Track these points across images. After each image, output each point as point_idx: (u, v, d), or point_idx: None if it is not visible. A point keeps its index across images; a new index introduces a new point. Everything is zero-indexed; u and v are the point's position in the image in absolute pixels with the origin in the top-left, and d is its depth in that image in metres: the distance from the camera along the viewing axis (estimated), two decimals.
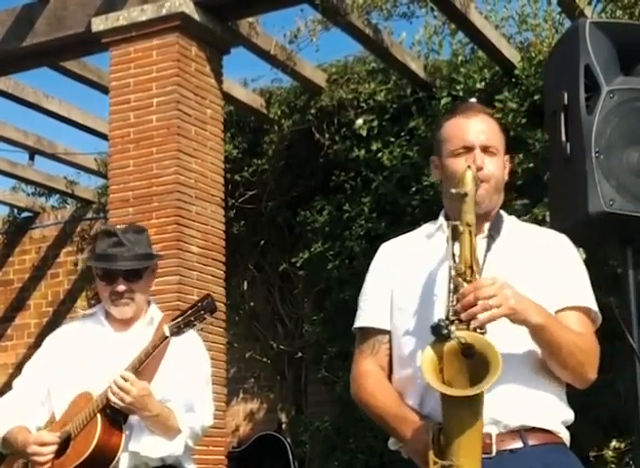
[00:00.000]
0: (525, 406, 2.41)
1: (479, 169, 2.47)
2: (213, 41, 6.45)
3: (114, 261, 3.26)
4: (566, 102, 3.66)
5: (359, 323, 2.64)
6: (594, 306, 2.54)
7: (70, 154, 9.09)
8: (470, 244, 2.34)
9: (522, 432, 2.39)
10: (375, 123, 7.69)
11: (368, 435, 7.45)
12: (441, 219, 2.59)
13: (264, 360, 8.52)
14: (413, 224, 8.45)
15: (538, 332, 2.37)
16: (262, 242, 8.55)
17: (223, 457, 6.25)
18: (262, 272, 8.66)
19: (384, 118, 7.72)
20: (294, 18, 6.94)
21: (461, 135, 2.53)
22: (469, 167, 2.42)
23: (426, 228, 2.66)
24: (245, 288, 8.67)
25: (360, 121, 7.67)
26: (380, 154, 7.59)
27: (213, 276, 6.28)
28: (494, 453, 2.37)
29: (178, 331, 3.10)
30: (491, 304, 2.26)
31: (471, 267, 2.33)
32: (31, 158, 8.90)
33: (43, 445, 3.18)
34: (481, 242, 2.47)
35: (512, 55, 7.26)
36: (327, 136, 7.85)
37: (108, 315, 3.38)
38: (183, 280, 6.00)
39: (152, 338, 3.15)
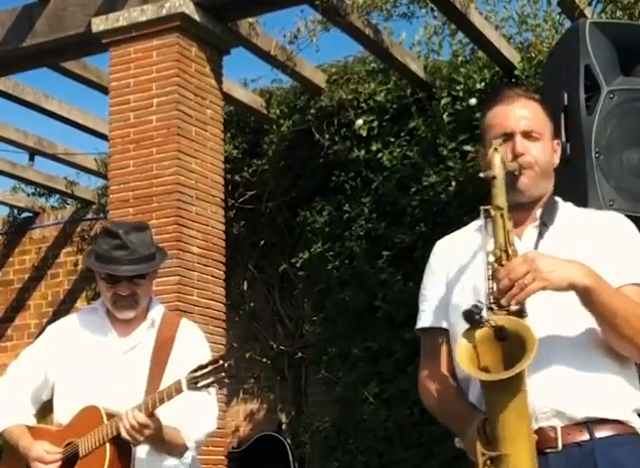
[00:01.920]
0: (589, 393, 2.32)
1: (520, 155, 2.43)
2: (213, 41, 6.44)
3: (118, 265, 3.21)
4: (566, 102, 3.66)
5: (420, 323, 2.59)
6: None
7: (70, 154, 9.09)
8: (504, 227, 2.30)
9: (589, 424, 2.31)
10: (375, 123, 7.69)
11: (368, 435, 7.46)
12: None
13: (264, 360, 8.52)
14: (413, 224, 8.45)
15: (587, 297, 2.27)
16: (262, 242, 8.55)
17: (223, 458, 6.25)
18: (262, 272, 8.66)
19: (384, 118, 7.72)
20: (294, 18, 6.95)
21: (501, 121, 2.49)
22: (496, 149, 2.37)
23: (477, 223, 2.57)
24: (245, 288, 8.67)
25: (360, 121, 7.67)
26: (379, 154, 7.59)
27: (213, 276, 6.28)
28: (560, 447, 2.29)
29: (195, 387, 2.99)
30: (525, 283, 2.19)
31: (506, 250, 2.28)
32: (31, 158, 8.91)
33: (45, 463, 3.18)
34: (532, 230, 2.45)
35: (512, 55, 7.26)
36: (327, 136, 7.85)
37: (109, 312, 3.36)
38: (183, 280, 5.99)
39: (168, 389, 3.04)
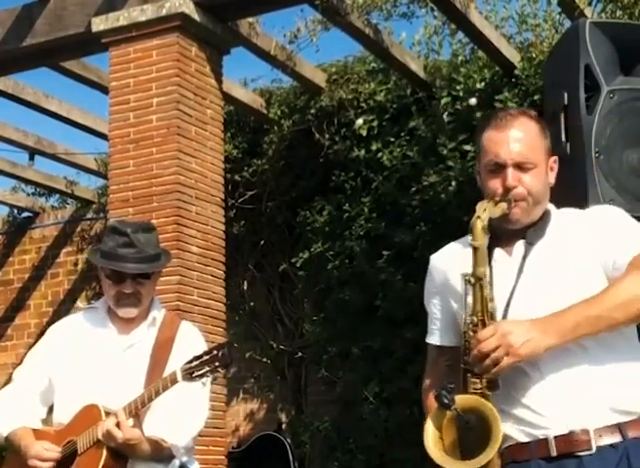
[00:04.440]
0: (614, 388, 2.35)
1: (512, 188, 2.43)
2: (213, 41, 6.44)
3: (124, 262, 3.22)
4: (566, 102, 3.67)
5: (430, 339, 2.64)
6: None
7: (70, 154, 9.09)
8: (482, 297, 2.34)
9: (620, 425, 2.33)
10: (375, 123, 7.69)
11: (368, 435, 7.46)
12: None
13: (264, 360, 8.52)
14: (413, 224, 8.44)
15: (579, 335, 2.31)
16: (262, 242, 8.55)
17: (223, 457, 6.25)
18: (262, 272, 8.66)
19: (384, 118, 7.72)
20: (294, 18, 6.95)
21: (494, 150, 2.47)
22: (479, 217, 2.37)
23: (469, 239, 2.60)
24: (245, 288, 8.67)
25: (360, 121, 7.67)
26: (380, 154, 7.59)
27: (213, 276, 6.28)
28: (594, 450, 2.32)
29: (190, 377, 3.02)
30: (497, 357, 2.25)
31: (483, 320, 2.33)
32: (31, 158, 8.90)
33: (43, 460, 3.19)
34: (522, 247, 2.47)
35: (512, 55, 7.26)
36: (327, 136, 7.85)
37: (110, 311, 3.37)
38: (183, 280, 5.99)
39: (163, 380, 3.08)
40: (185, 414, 3.21)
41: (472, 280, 2.36)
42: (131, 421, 3.09)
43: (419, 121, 7.50)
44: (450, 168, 7.18)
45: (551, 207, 2.58)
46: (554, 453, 2.34)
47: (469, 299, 2.37)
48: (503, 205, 2.41)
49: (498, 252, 2.48)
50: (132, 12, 6.25)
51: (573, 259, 2.43)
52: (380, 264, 7.50)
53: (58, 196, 10.24)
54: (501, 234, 2.51)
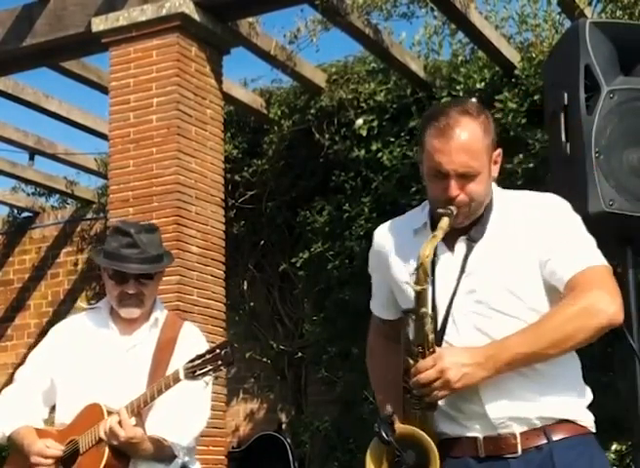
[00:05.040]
0: (542, 394, 2.41)
1: (455, 197, 2.42)
2: (213, 41, 6.44)
3: (127, 263, 3.23)
4: (566, 102, 3.66)
5: (374, 310, 2.76)
6: (593, 262, 2.41)
7: (70, 154, 9.09)
8: (423, 332, 2.38)
9: (546, 428, 2.40)
10: (375, 123, 7.69)
11: (368, 435, 7.44)
12: (425, 216, 2.55)
13: (264, 360, 8.52)
14: None
15: (513, 369, 2.36)
16: (262, 242, 8.55)
17: (223, 457, 6.25)
18: (262, 272, 8.66)
19: (384, 118, 7.72)
20: (294, 18, 6.96)
21: (437, 159, 2.42)
22: (422, 263, 2.37)
23: (414, 219, 2.60)
24: (245, 288, 8.67)
25: (360, 121, 7.67)
26: (379, 154, 7.59)
27: (213, 276, 6.28)
28: (519, 452, 2.38)
29: (192, 376, 3.03)
30: (434, 387, 2.33)
31: (423, 352, 2.38)
32: (31, 158, 8.91)
33: (45, 457, 3.19)
34: (462, 245, 2.48)
35: (512, 55, 7.26)
36: (327, 136, 7.85)
37: (113, 312, 3.37)
38: (183, 280, 5.99)
39: (166, 379, 3.09)
40: (187, 414, 3.22)
41: (413, 317, 2.41)
42: (133, 420, 3.09)
43: (418, 121, 7.50)
44: None
45: (494, 190, 2.55)
46: (482, 454, 2.41)
47: (410, 332, 2.42)
48: (445, 222, 2.42)
49: (440, 247, 2.49)
50: (132, 12, 6.25)
51: (513, 260, 2.44)
52: None
53: (58, 196, 10.25)
54: None
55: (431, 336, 2.39)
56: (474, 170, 2.43)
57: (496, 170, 2.53)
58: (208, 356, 3.02)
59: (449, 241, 2.49)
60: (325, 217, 7.91)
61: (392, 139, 7.63)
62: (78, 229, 9.76)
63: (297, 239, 8.32)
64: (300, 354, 8.36)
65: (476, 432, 2.43)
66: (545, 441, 2.39)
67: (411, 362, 2.40)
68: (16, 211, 10.17)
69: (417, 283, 2.39)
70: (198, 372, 3.02)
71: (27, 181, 9.70)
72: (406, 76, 7.56)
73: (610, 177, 3.51)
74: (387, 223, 2.69)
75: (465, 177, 2.42)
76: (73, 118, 8.23)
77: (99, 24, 6.33)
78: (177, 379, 3.04)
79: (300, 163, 8.22)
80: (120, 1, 6.33)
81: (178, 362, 3.18)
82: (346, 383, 7.68)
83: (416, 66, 7.47)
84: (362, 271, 8.37)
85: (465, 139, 2.42)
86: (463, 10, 6.55)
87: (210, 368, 3.01)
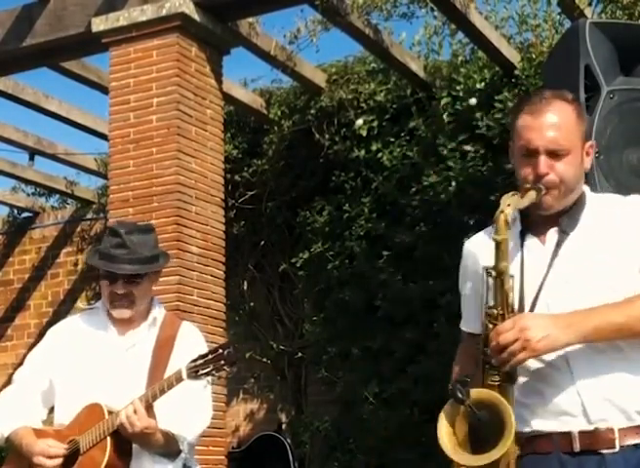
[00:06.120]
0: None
1: (544, 175, 2.39)
2: (213, 41, 6.44)
3: (115, 263, 3.25)
4: None
5: (463, 326, 2.66)
6: None
7: (70, 154, 9.09)
8: (502, 291, 2.32)
9: None
10: (375, 123, 7.69)
11: (368, 435, 7.46)
12: (516, 213, 2.46)
13: (264, 360, 8.52)
14: (413, 224, 8.43)
15: (598, 339, 2.30)
16: (262, 242, 8.55)
17: (223, 457, 6.25)
18: (262, 272, 8.66)
19: (384, 118, 7.72)
20: (294, 18, 6.95)
21: (527, 136, 2.41)
22: (502, 211, 2.33)
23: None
24: (245, 288, 8.67)
25: (360, 121, 7.67)
26: (379, 154, 7.59)
27: (213, 276, 6.28)
28: (617, 448, 2.31)
29: (195, 375, 3.04)
30: (515, 350, 2.25)
31: (503, 314, 2.32)
32: (31, 158, 8.91)
33: (49, 457, 3.19)
34: (555, 235, 2.44)
35: (512, 55, 7.26)
36: (327, 136, 7.85)
37: (109, 312, 3.38)
38: (183, 280, 5.99)
39: (168, 378, 3.10)
40: (192, 411, 3.23)
41: (494, 273, 2.34)
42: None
43: (419, 121, 7.51)
44: (450, 168, 7.18)
45: (587, 190, 2.54)
46: (577, 449, 2.33)
47: (490, 292, 2.35)
48: (532, 194, 2.38)
49: (530, 239, 2.46)
50: (132, 12, 6.25)
51: (607, 252, 2.39)
52: (380, 264, 7.50)
53: (58, 196, 10.24)
54: (534, 220, 2.48)
55: (511, 297, 2.33)
56: (564, 148, 2.41)
57: (588, 161, 2.51)
58: (210, 356, 3.03)
59: (538, 231, 2.46)
60: (325, 217, 7.91)
61: (392, 140, 7.63)
62: (78, 229, 9.76)
63: (297, 239, 8.32)
64: (299, 354, 8.36)
65: (570, 425, 2.34)
66: None
67: (490, 326, 2.32)
68: (16, 211, 10.17)
69: (496, 233, 2.32)
70: (201, 372, 3.03)
71: (27, 181, 9.70)
72: (406, 76, 7.57)
73: (610, 177, 3.51)
74: (478, 233, 2.63)
75: (555, 156, 2.40)
76: (73, 118, 8.22)
77: (99, 24, 6.33)
78: (179, 379, 3.05)
79: (300, 163, 8.22)
80: (120, 1, 6.32)
81: (177, 361, 3.19)
82: (346, 383, 7.68)
83: (416, 66, 7.47)
84: (362, 271, 8.39)
85: (558, 117, 2.42)
86: (463, 10, 6.55)
87: (212, 368, 3.02)
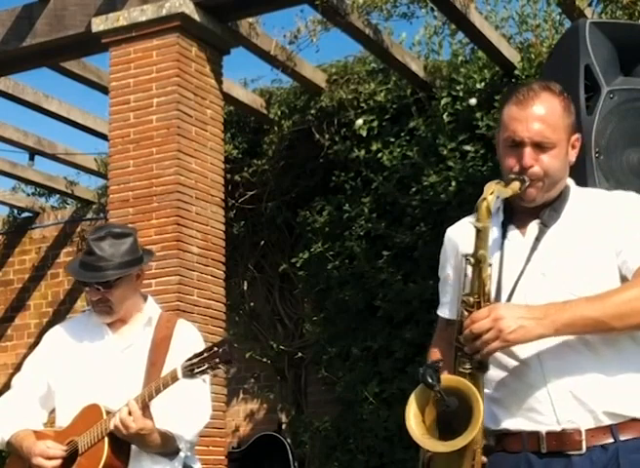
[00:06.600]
0: (612, 390, 2.31)
1: (528, 167, 2.38)
2: (213, 41, 6.44)
3: (86, 270, 3.28)
4: None
5: (440, 312, 2.63)
6: None
7: (70, 154, 9.09)
8: (480, 279, 2.32)
9: (613, 427, 2.30)
10: (375, 123, 7.70)
11: (368, 435, 7.46)
12: (499, 202, 2.47)
13: (264, 360, 8.52)
14: (413, 224, 8.44)
15: (572, 333, 2.29)
16: (262, 242, 8.55)
17: (223, 457, 6.25)
18: (262, 272, 8.66)
19: (384, 118, 7.72)
20: (294, 18, 6.95)
21: (512, 127, 2.41)
22: (485, 199, 2.32)
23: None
24: (245, 288, 8.67)
25: (360, 121, 7.67)
26: (379, 154, 7.60)
27: (213, 276, 6.28)
28: (584, 450, 2.29)
29: (190, 374, 3.04)
30: (488, 339, 2.25)
31: (479, 302, 2.32)
32: (31, 158, 8.90)
33: (48, 458, 3.19)
34: (535, 227, 2.43)
35: (512, 55, 7.26)
36: (327, 136, 7.85)
37: None
38: (183, 280, 5.99)
39: (163, 378, 3.10)
40: (190, 408, 3.23)
41: (472, 261, 2.33)
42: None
43: (419, 121, 7.51)
44: (450, 168, 7.19)
45: (571, 183, 2.53)
46: (544, 450, 2.32)
47: (468, 279, 2.35)
48: (515, 185, 2.38)
49: (512, 230, 2.46)
50: (132, 12, 6.25)
51: (586, 247, 2.38)
52: (380, 264, 7.51)
53: (58, 196, 10.24)
54: (517, 211, 2.48)
55: (489, 285, 2.32)
56: (550, 141, 2.40)
57: (573, 155, 2.50)
58: (206, 354, 3.03)
59: (520, 223, 2.46)
60: (325, 217, 7.91)
61: (392, 140, 7.63)
62: (78, 229, 9.75)
63: (297, 239, 8.33)
64: (299, 354, 8.36)
65: (538, 425, 2.33)
66: (612, 440, 2.29)
67: (465, 313, 2.31)
68: (16, 211, 10.17)
69: (477, 220, 2.32)
70: (196, 371, 3.03)
71: (27, 182, 9.70)
72: (406, 76, 7.57)
73: (610, 177, 3.51)
74: (459, 221, 2.63)
75: (541, 148, 2.40)
76: (73, 118, 8.22)
77: (99, 25, 6.33)
78: (175, 378, 3.05)
79: (300, 163, 8.22)
80: (120, 1, 6.33)
81: (173, 360, 3.19)
82: (346, 383, 7.68)
83: (416, 66, 7.47)
84: (362, 271, 8.39)
85: (544, 109, 2.41)
86: (463, 10, 6.55)
87: (208, 366, 3.02)
